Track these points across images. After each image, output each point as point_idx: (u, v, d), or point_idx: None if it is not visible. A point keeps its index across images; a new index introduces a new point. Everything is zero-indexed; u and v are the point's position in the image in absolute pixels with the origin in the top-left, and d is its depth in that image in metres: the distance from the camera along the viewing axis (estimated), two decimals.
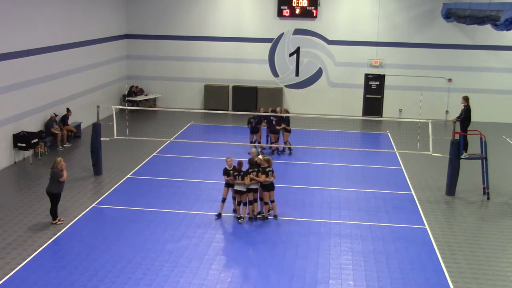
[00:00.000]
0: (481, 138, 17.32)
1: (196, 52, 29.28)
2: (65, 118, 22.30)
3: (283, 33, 28.73)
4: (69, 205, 15.64)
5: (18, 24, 19.55)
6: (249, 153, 17.28)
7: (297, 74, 29.02)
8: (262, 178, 14.59)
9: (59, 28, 22.47)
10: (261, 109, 22.60)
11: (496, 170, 19.09)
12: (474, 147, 18.30)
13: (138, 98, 28.22)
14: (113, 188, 17.24)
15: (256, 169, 14.70)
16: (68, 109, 22.54)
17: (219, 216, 15.00)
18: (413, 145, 19.61)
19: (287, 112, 21.87)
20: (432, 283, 11.91)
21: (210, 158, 20.55)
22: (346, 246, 13.55)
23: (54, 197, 14.43)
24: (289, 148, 21.37)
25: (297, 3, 28.12)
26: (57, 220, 14.43)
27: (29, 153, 19.89)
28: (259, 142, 21.43)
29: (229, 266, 12.49)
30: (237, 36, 28.90)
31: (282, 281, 11.83)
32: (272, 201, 14.98)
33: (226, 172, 14.76)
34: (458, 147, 17.13)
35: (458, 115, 17.96)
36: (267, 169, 14.70)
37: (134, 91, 28.38)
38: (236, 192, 14.70)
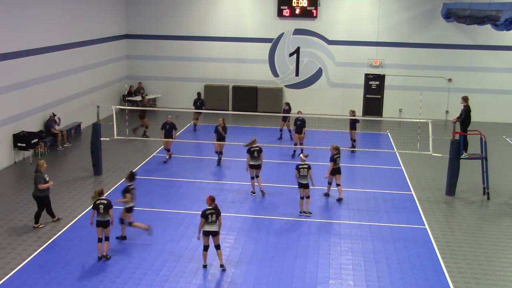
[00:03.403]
0: (481, 138, 17.32)
1: (196, 52, 29.28)
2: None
3: (283, 33, 28.72)
4: (69, 205, 15.64)
5: (18, 24, 19.56)
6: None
7: (297, 74, 29.01)
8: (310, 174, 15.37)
9: (59, 28, 22.47)
10: (220, 120, 20.42)
11: (496, 170, 19.10)
12: (474, 147, 18.29)
13: (138, 98, 28.16)
14: (113, 188, 17.23)
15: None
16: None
17: (104, 258, 12.56)
18: (413, 145, 19.63)
19: (300, 113, 21.72)
20: (432, 283, 11.91)
21: (210, 158, 20.55)
22: (346, 246, 13.56)
23: (40, 201, 14.21)
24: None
25: (297, 3, 28.11)
26: (38, 225, 14.20)
27: (29, 153, 19.90)
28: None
29: (229, 266, 12.49)
30: (237, 36, 28.90)
31: (282, 281, 11.84)
32: (338, 185, 16.58)
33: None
34: (458, 147, 17.13)
35: (458, 115, 17.95)
36: (335, 156, 16.33)
37: (131, 91, 28.22)
38: (207, 233, 12.09)
